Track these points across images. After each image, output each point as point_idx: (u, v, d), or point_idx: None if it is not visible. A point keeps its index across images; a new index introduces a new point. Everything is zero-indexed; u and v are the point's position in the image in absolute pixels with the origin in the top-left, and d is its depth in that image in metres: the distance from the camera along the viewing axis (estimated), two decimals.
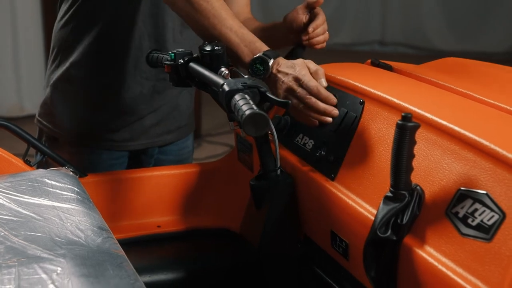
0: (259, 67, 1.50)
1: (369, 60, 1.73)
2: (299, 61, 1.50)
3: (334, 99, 1.47)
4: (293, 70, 1.48)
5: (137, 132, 1.96)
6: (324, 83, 1.48)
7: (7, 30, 5.25)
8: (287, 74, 1.48)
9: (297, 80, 1.47)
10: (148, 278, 1.67)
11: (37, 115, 2.02)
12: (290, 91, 1.47)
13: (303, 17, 1.77)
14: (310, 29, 1.73)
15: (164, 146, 2.05)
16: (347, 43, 7.97)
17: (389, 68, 1.66)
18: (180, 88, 1.84)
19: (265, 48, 1.54)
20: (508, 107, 1.31)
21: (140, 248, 1.78)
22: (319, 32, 1.75)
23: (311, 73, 1.48)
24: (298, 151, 1.59)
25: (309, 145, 1.56)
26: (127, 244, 1.59)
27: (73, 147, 1.96)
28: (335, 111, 1.47)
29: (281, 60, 1.52)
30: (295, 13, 1.79)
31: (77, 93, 1.93)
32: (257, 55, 1.51)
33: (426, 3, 8.00)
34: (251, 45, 1.53)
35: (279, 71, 1.49)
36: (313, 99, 1.45)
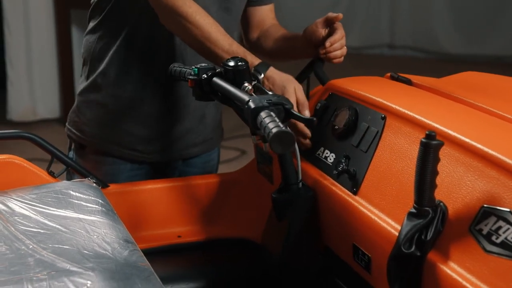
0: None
1: (388, 74, 1.75)
2: (291, 87, 1.62)
3: (309, 134, 1.64)
4: (284, 87, 1.61)
5: (161, 144, 1.98)
6: (307, 114, 1.61)
7: (20, 34, 5.28)
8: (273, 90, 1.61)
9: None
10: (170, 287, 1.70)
11: (66, 124, 2.06)
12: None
13: (322, 31, 1.80)
14: (328, 43, 1.76)
15: (189, 159, 2.06)
16: (356, 46, 7.99)
17: (408, 82, 1.68)
18: (205, 104, 1.89)
19: (256, 61, 1.66)
20: None
21: (161, 258, 1.80)
22: (337, 47, 1.78)
23: (298, 103, 1.60)
24: (320, 164, 1.61)
25: (330, 159, 1.58)
26: (148, 254, 1.61)
27: (98, 155, 1.99)
28: (308, 143, 1.66)
29: (274, 74, 1.64)
30: (314, 26, 1.82)
31: (103, 102, 1.95)
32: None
33: (435, 6, 8.00)
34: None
35: (271, 90, 1.59)
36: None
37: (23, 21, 5.25)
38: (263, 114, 1.30)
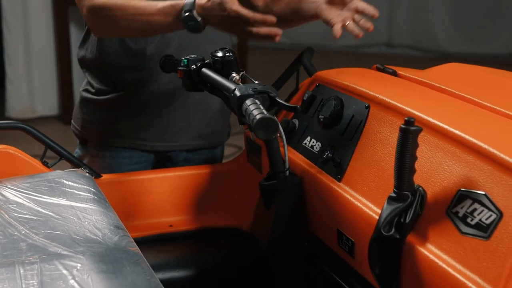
0: (191, 23, 1.61)
1: (375, 65, 1.79)
2: None
3: (273, 19, 1.53)
4: (223, 11, 1.55)
5: (161, 131, 1.99)
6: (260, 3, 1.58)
7: (19, 33, 5.32)
8: (219, 15, 1.56)
9: (232, 19, 1.55)
10: (161, 275, 1.72)
11: (72, 121, 2.09)
12: (233, 25, 1.56)
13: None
14: None
15: (191, 153, 2.06)
16: (355, 45, 8.02)
17: (393, 73, 1.72)
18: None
19: (182, 2, 1.63)
20: (508, 112, 1.37)
21: (153, 247, 1.83)
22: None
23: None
24: (306, 153, 1.65)
25: (316, 148, 1.62)
26: (140, 243, 1.64)
27: (99, 149, 2.02)
28: (279, 31, 1.53)
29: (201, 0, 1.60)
30: None
31: (100, 99, 1.98)
32: (182, 17, 1.61)
33: (433, 5, 8.03)
34: (172, 11, 1.64)
35: (209, 12, 1.58)
36: (255, 29, 1.53)
37: (22, 20, 5.28)
38: (248, 102, 1.34)
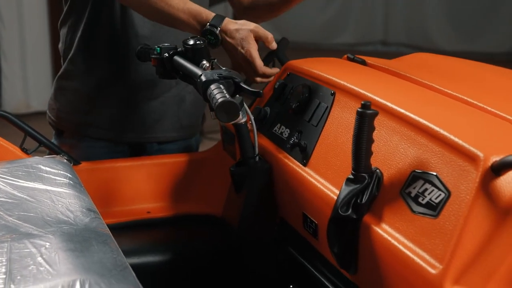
0: (210, 38, 1.68)
1: (346, 55, 1.83)
2: (248, 34, 1.67)
3: (274, 72, 1.73)
4: (242, 48, 1.67)
5: (136, 123, 2.03)
6: (275, 46, 1.74)
7: (14, 28, 5.37)
8: (236, 49, 1.68)
9: (246, 60, 1.68)
10: (137, 259, 1.77)
11: (47, 111, 2.14)
12: (239, 66, 1.69)
13: None
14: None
15: (164, 144, 2.10)
16: (350, 43, 8.06)
17: (362, 63, 1.76)
18: (184, 86, 1.94)
19: (210, 15, 1.69)
20: (464, 97, 1.41)
21: (130, 232, 1.88)
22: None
23: (264, 41, 1.70)
24: (276, 139, 1.69)
25: (285, 134, 1.66)
26: (118, 229, 1.69)
27: (75, 139, 2.06)
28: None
29: (230, 25, 1.68)
30: None
31: (74, 87, 2.03)
32: (205, 29, 1.68)
33: (429, 3, 8.08)
34: (198, 16, 1.69)
35: (229, 42, 1.69)
36: (257, 79, 1.70)
37: (17, 15, 5.34)
38: (212, 86, 1.39)
